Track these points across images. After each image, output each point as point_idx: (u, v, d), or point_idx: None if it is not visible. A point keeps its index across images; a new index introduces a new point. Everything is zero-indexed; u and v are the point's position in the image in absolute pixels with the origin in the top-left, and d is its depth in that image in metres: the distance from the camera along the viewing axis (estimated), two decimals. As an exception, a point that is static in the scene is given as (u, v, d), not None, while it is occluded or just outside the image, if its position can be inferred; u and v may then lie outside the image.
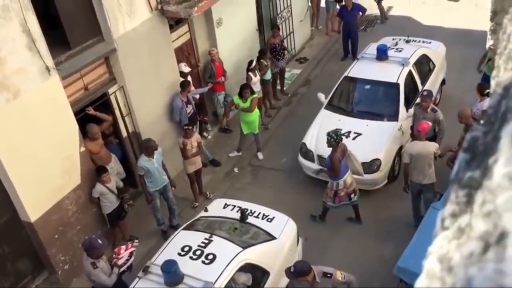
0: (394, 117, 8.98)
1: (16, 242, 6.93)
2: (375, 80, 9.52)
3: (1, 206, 6.64)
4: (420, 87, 9.66)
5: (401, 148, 8.95)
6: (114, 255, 6.56)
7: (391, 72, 9.45)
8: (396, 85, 9.23)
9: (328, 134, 7.57)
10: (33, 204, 6.77)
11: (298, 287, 5.71)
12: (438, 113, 8.13)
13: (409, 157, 7.40)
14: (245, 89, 9.33)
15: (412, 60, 9.75)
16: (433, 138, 8.02)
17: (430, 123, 7.61)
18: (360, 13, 12.49)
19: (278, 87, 11.81)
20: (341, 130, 8.20)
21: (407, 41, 10.66)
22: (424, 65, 10.18)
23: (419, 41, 10.83)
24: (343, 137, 8.74)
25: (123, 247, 6.64)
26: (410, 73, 9.55)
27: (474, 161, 0.70)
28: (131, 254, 6.55)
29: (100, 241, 6.22)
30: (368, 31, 14.31)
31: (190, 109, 9.25)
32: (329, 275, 5.49)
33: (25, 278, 7.23)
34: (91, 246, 6.15)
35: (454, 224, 0.69)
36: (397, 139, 8.84)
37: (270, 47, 11.13)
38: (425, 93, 8.35)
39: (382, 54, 9.76)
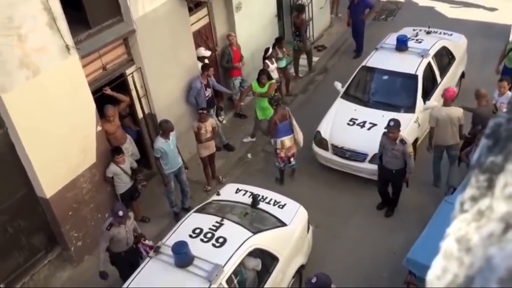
0: (411, 109, 8.90)
1: (31, 217, 7.07)
2: (393, 70, 9.41)
3: (18, 181, 6.76)
4: (439, 79, 9.55)
5: (416, 140, 8.88)
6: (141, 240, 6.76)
7: (410, 63, 9.34)
8: (415, 77, 9.13)
9: (269, 101, 8.66)
10: (49, 180, 6.88)
11: None
12: (406, 145, 7.33)
13: (435, 121, 7.79)
14: (261, 75, 9.34)
15: (432, 52, 9.62)
16: (403, 170, 7.54)
17: (455, 90, 7.61)
18: (368, 9, 12.28)
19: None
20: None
21: (428, 32, 10.50)
22: (444, 57, 10.04)
23: (440, 33, 10.66)
24: (358, 127, 8.75)
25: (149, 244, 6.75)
26: (429, 65, 9.43)
27: (497, 146, 0.70)
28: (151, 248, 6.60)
29: (122, 211, 6.36)
30: (389, 20, 14.12)
31: (209, 92, 9.28)
32: None
33: (38, 253, 7.38)
34: (113, 210, 6.39)
35: (474, 207, 0.70)
36: (413, 131, 8.75)
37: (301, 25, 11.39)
38: (391, 123, 7.28)
39: (401, 45, 9.64)
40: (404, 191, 8.10)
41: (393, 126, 7.25)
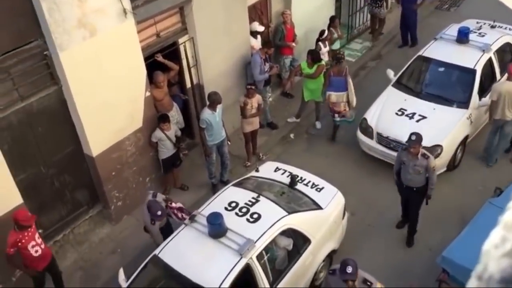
0: (464, 104, 8.57)
1: (76, 173, 7.34)
2: (451, 63, 9.05)
3: (67, 137, 7.01)
4: (498, 76, 9.12)
5: (466, 137, 8.57)
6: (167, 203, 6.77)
7: (470, 57, 8.95)
8: (473, 71, 8.76)
9: (332, 55, 9.45)
10: (96, 139, 7.10)
11: (335, 287, 5.32)
12: (430, 159, 6.66)
13: (498, 95, 7.89)
14: (307, 55, 9.25)
15: (494, 47, 9.18)
16: (424, 188, 6.88)
17: None
18: (419, 1, 11.86)
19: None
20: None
21: (492, 27, 10.01)
22: (507, 54, 9.56)
23: (505, 28, 10.14)
24: (406, 118, 8.54)
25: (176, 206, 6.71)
26: (490, 60, 9.01)
27: None
28: (179, 209, 6.62)
29: (159, 212, 6.27)
30: (452, 10, 13.56)
31: (267, 67, 9.26)
32: (369, 283, 5.20)
33: (81, 208, 7.69)
34: (152, 212, 6.28)
35: None
36: (464, 127, 8.46)
37: None
38: (413, 137, 6.59)
39: (463, 37, 9.24)
40: (446, 191, 7.88)
41: (415, 141, 6.56)
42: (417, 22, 11.99)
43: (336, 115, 9.06)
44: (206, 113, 7.73)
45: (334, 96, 8.87)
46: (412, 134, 6.68)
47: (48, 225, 7.25)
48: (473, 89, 8.64)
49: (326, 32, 10.10)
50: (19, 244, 5.90)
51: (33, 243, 6.03)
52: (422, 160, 6.64)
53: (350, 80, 8.83)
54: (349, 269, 4.99)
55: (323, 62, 9.38)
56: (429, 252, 7.06)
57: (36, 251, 6.08)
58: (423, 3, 12.22)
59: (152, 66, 7.77)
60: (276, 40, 10.07)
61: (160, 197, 6.74)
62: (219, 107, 7.77)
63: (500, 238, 0.78)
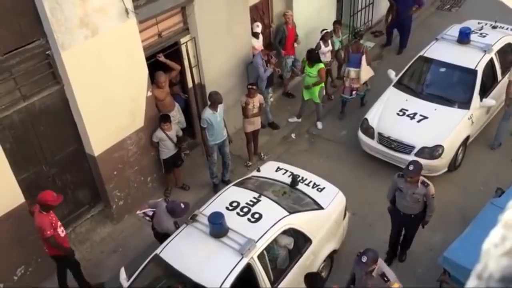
0: (466, 104, 8.57)
1: (78, 172, 7.36)
2: (452, 63, 9.05)
3: (69, 137, 7.02)
4: (499, 77, 9.13)
5: (467, 138, 8.58)
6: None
7: (471, 58, 8.95)
8: (474, 72, 8.75)
9: (353, 33, 10.00)
10: (98, 139, 7.11)
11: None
12: (430, 187, 6.25)
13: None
14: (306, 54, 9.26)
15: (496, 48, 9.17)
16: (421, 213, 6.52)
17: None
18: (416, 6, 11.67)
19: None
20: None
21: (494, 27, 10.01)
22: (508, 54, 9.55)
23: (506, 28, 10.14)
24: (408, 118, 8.54)
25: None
26: (491, 61, 9.00)
27: None
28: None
29: (183, 205, 6.30)
30: (453, 11, 13.55)
31: (270, 69, 9.25)
32: (385, 279, 5.22)
33: (82, 207, 7.70)
34: (177, 210, 6.28)
35: None
36: (465, 128, 8.46)
37: None
38: (411, 167, 6.11)
39: (464, 37, 9.23)
40: (447, 192, 7.87)
41: (413, 171, 6.10)
42: (411, 28, 11.90)
43: (354, 92, 9.59)
44: (207, 113, 7.74)
45: (353, 72, 9.42)
46: (410, 164, 6.21)
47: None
48: (474, 90, 8.63)
49: (326, 30, 10.05)
50: (53, 224, 6.05)
51: (59, 223, 6.22)
52: (422, 188, 6.24)
53: (364, 58, 9.32)
54: (364, 259, 5.17)
55: (321, 65, 9.33)
56: (430, 253, 7.07)
57: (62, 231, 6.29)
58: (419, 10, 12.11)
59: (154, 66, 7.78)
60: (277, 40, 10.07)
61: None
62: (220, 107, 7.78)
63: (500, 237, 0.78)
